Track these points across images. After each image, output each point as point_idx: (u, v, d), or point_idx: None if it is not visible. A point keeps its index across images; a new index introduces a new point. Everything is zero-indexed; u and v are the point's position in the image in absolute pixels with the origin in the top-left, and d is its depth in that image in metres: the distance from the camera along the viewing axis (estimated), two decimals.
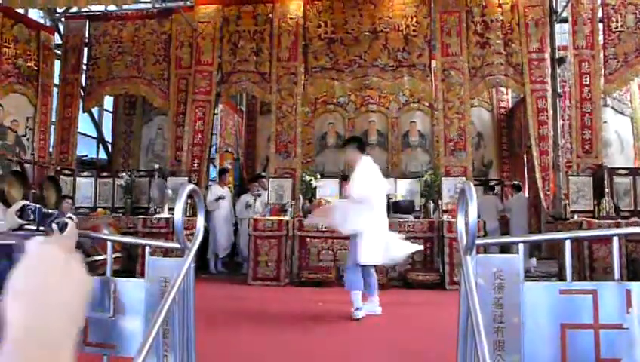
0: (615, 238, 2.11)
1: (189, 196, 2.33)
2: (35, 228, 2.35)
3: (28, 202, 2.43)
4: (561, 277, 7.70)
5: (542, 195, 8.28)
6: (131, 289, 2.32)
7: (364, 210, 5.11)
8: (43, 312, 0.57)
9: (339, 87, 8.91)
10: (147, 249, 2.33)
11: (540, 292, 2.13)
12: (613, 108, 9.88)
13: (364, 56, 8.70)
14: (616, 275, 2.14)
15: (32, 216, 2.35)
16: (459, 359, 2.10)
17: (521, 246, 2.10)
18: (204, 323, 4.04)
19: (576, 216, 7.63)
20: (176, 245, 2.28)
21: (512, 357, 2.10)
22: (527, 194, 10.00)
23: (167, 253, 3.85)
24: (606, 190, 7.71)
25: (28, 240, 0.58)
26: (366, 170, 5.27)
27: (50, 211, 2.44)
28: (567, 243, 2.10)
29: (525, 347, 2.10)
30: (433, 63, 8.71)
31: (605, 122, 9.22)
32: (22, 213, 2.32)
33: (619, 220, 7.32)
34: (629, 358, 2.11)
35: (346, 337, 4.58)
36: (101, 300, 2.33)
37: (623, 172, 8.13)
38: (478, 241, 2.03)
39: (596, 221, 7.29)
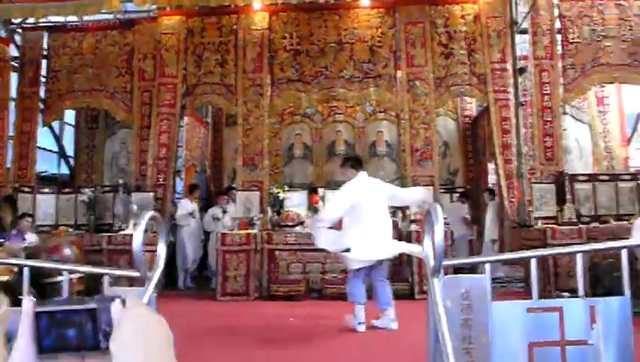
0: (579, 255, 2.14)
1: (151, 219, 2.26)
2: None
3: None
4: (527, 282, 7.83)
5: (507, 203, 8.42)
6: None
7: (349, 227, 5.30)
8: (156, 356, 0.65)
9: (305, 99, 8.91)
10: (106, 279, 2.25)
11: (508, 311, 2.13)
12: (572, 115, 10.13)
13: (330, 68, 8.71)
14: (581, 291, 2.16)
15: None
16: None
17: (487, 266, 2.10)
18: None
19: (540, 223, 7.77)
20: (137, 273, 2.20)
21: None
22: None
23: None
24: (568, 196, 7.89)
25: (109, 302, 0.65)
26: (350, 187, 5.45)
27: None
28: (533, 261, 2.11)
29: None
30: (399, 74, 8.78)
31: (565, 130, 9.44)
32: None
33: (580, 226, 7.49)
34: None
35: (317, 351, 4.53)
36: None
37: (583, 178, 8.35)
38: (445, 263, 2.02)
39: (559, 227, 7.45)
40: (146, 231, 2.18)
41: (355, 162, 5.74)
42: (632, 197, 8.17)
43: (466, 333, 2.10)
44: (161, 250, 2.29)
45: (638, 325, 2.23)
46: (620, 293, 2.17)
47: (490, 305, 2.10)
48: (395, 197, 5.76)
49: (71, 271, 2.55)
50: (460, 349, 2.08)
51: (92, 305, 0.65)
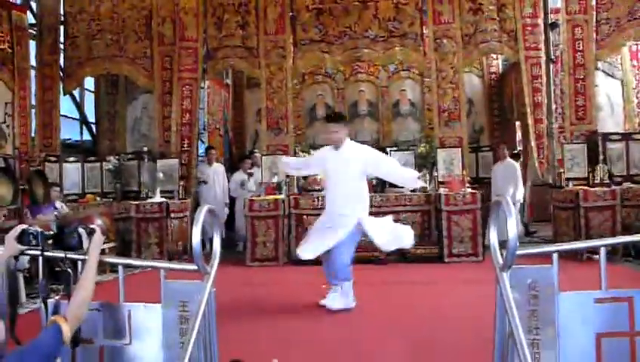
0: None
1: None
2: (39, 252, 2.23)
3: (26, 226, 2.29)
4: (556, 240, 7.74)
5: (537, 164, 8.26)
6: (147, 315, 2.23)
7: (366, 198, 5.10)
8: None
9: (329, 60, 8.70)
10: (162, 272, 2.22)
11: (575, 302, 2.07)
12: (603, 71, 9.78)
13: (355, 27, 8.46)
14: None
15: (33, 242, 2.22)
16: None
17: (555, 256, 2.03)
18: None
19: (571, 184, 7.64)
20: (193, 267, 2.17)
21: None
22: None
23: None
24: (600, 157, 7.71)
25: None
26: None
27: (50, 233, 2.30)
28: (602, 251, 2.04)
29: (560, 358, 2.06)
30: (425, 32, 8.48)
31: (596, 86, 9.11)
32: (21, 238, 2.19)
33: (613, 187, 7.34)
34: None
35: (354, 320, 4.56)
36: (115, 327, 2.23)
37: (616, 137, 8.15)
38: (519, 252, 1.94)
39: (591, 189, 7.31)
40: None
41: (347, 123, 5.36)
42: None
43: (532, 325, 2.05)
44: (216, 244, 2.25)
45: None
46: None
47: (557, 296, 2.04)
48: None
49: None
50: (526, 341, 2.03)
51: None
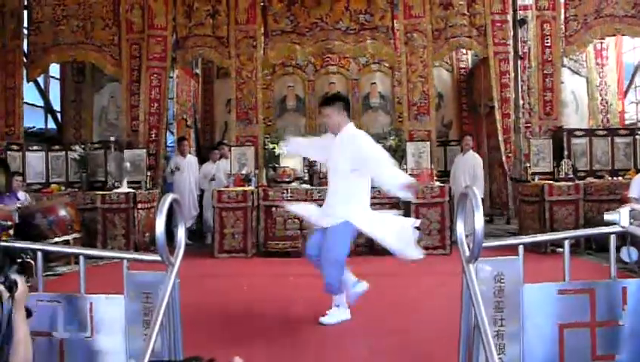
0: (612, 236, 2.10)
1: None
2: None
3: None
4: (521, 233, 7.90)
5: (504, 158, 8.40)
6: (109, 307, 2.18)
7: (362, 193, 4.25)
8: None
9: (300, 52, 8.64)
10: (125, 263, 2.17)
11: (539, 294, 2.11)
12: (569, 68, 10.00)
13: (326, 19, 8.42)
14: (613, 273, 2.13)
15: None
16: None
17: (520, 248, 2.06)
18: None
19: (536, 178, 7.79)
20: (157, 258, 2.13)
21: (512, 360, 2.09)
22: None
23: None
24: (565, 152, 7.90)
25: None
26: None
27: (8, 223, 2.22)
28: (566, 243, 2.07)
29: (524, 349, 2.10)
30: (396, 25, 8.51)
31: (562, 82, 9.33)
32: None
33: (577, 182, 7.53)
34: (623, 353, 2.14)
35: (322, 312, 4.54)
36: (76, 319, 2.17)
37: (580, 133, 8.36)
38: (485, 244, 1.95)
39: (556, 184, 7.47)
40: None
41: (348, 105, 4.41)
42: (627, 152, 8.21)
43: (497, 316, 2.08)
44: (181, 234, 2.21)
45: None
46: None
47: (522, 288, 2.07)
48: None
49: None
50: (491, 332, 2.05)
51: None
